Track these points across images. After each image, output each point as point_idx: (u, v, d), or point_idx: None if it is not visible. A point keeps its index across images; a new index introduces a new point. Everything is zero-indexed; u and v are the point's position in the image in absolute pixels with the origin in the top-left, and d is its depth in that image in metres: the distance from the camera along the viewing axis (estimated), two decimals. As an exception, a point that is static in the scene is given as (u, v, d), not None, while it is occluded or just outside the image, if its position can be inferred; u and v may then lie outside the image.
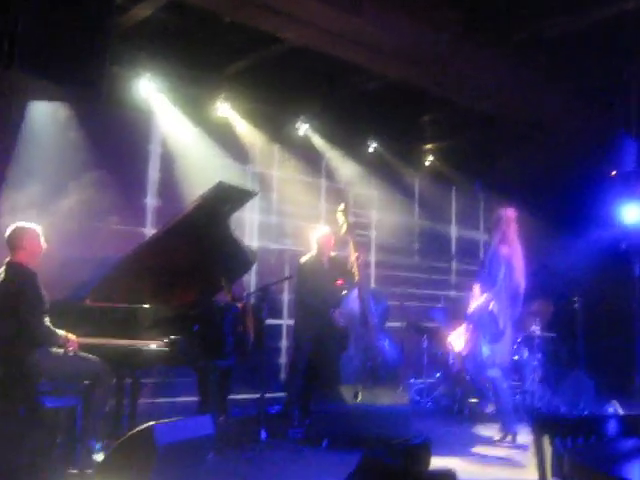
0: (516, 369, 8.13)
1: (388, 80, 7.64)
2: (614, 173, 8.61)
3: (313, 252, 7.17)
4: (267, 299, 6.03)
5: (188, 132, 7.59)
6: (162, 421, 4.33)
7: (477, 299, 6.43)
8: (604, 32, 6.55)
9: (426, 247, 10.31)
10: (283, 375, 8.19)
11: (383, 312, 6.99)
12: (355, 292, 6.79)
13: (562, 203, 9.37)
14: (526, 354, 8.02)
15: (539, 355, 8.01)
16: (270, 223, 8.57)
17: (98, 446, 4.75)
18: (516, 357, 7.96)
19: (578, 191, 9.10)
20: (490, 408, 7.17)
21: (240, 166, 8.23)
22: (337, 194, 8.98)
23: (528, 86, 7.55)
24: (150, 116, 7.46)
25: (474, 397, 7.77)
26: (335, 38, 6.54)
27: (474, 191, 10.81)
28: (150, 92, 7.25)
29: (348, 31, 6.44)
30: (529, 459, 5.26)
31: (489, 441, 6.36)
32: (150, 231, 7.17)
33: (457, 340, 6.83)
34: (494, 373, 6.44)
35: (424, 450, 3.10)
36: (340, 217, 7.09)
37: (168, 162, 7.56)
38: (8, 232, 4.82)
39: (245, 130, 8.13)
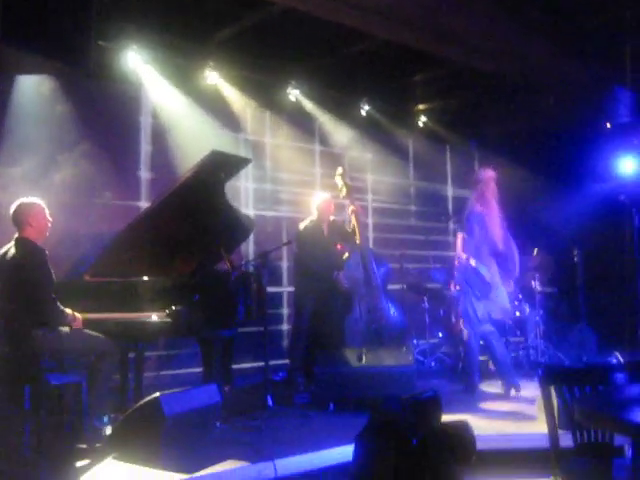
0: (518, 325, 8.18)
1: (377, 41, 7.53)
2: (609, 125, 8.55)
3: (313, 217, 7.15)
4: (267, 266, 6.00)
5: (178, 102, 7.48)
6: (168, 391, 4.35)
7: (459, 248, 6.57)
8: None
9: (422, 208, 10.28)
10: (285, 342, 8.20)
11: (385, 275, 7.01)
12: (357, 256, 6.81)
13: (558, 158, 9.31)
14: (528, 310, 8.06)
15: (541, 311, 8.04)
16: (265, 190, 8.51)
17: (105, 420, 4.78)
18: (518, 313, 8.00)
19: (574, 145, 9.05)
20: (490, 365, 7.20)
21: (232, 134, 8.15)
22: (331, 159, 8.92)
23: (517, 37, 7.44)
24: (139, 88, 7.36)
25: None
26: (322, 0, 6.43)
27: (468, 150, 10.77)
28: (138, 64, 7.13)
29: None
30: (536, 412, 5.32)
31: (495, 397, 6.40)
32: (145, 204, 7.11)
33: None
34: (487, 328, 6.51)
35: (434, 404, 3.09)
36: (339, 181, 7.11)
37: (160, 134, 7.48)
38: (13, 208, 4.79)
39: (236, 98, 8.02)
